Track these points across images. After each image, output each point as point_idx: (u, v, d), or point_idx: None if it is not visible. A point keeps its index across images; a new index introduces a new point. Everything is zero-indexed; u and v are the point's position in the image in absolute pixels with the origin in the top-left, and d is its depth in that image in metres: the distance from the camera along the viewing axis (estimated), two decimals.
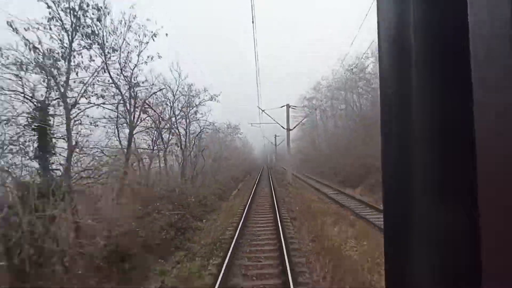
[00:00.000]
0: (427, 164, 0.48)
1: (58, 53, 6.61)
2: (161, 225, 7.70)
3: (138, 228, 6.95)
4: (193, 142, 18.43)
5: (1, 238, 4.12)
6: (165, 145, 15.54)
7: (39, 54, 6.28)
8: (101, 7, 6.64)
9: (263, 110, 23.63)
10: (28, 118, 5.46)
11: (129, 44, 8.92)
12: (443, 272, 0.46)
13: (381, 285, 4.82)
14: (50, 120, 5.70)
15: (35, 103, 5.62)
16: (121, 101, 8.82)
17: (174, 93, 15.75)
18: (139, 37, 9.02)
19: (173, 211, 9.56)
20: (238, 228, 8.36)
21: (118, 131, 10.04)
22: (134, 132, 10.12)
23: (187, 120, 17.94)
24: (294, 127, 25.48)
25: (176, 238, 7.71)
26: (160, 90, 11.82)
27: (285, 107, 23.55)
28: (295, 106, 25.59)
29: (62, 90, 6.60)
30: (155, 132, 14.20)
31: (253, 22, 13.35)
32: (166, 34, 9.91)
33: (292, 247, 6.69)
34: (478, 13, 0.43)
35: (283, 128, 24.06)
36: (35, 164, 6.34)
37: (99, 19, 6.76)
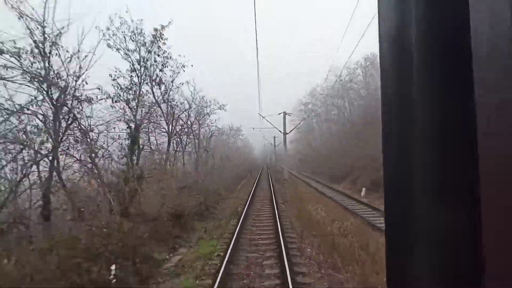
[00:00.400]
0: (427, 164, 0.48)
1: (133, 89, 10.38)
2: (194, 203, 11.41)
3: (181, 203, 10.67)
4: (204, 144, 22.13)
5: (124, 203, 7.84)
6: (183, 147, 19.26)
7: (122, 91, 10.04)
8: (165, 63, 10.44)
9: (263, 117, 27.41)
10: (128, 134, 9.20)
11: (165, 74, 12.67)
12: (443, 272, 0.46)
13: (326, 226, 8.56)
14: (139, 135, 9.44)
15: (130, 124, 9.36)
16: (163, 119, 12.59)
17: (190, 104, 19.46)
18: (172, 67, 12.76)
19: (198, 195, 13.28)
20: (245, 207, 12.06)
21: (148, 138, 13.83)
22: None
23: (199, 125, 21.67)
24: (290, 131, 29.28)
25: (205, 211, 11.44)
26: (187, 110, 15.50)
27: (282, 114, 27.39)
28: (291, 114, 29.35)
29: (134, 113, 10.36)
30: (176, 137, 17.93)
31: (256, 38, 17.07)
32: (192, 65, 13.64)
33: (282, 215, 10.40)
34: (479, 13, 0.43)
35: (281, 132, 27.86)
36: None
37: (161, 70, 10.54)
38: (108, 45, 10.09)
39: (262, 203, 13.77)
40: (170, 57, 10.53)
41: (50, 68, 6.80)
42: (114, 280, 4.49)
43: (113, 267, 4.58)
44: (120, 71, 10.21)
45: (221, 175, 23.43)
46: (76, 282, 4.12)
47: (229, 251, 6.31)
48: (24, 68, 5.47)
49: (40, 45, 5.74)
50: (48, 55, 5.88)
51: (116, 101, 9.86)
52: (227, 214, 11.06)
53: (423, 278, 0.47)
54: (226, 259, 5.81)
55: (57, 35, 6.47)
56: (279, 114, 27.23)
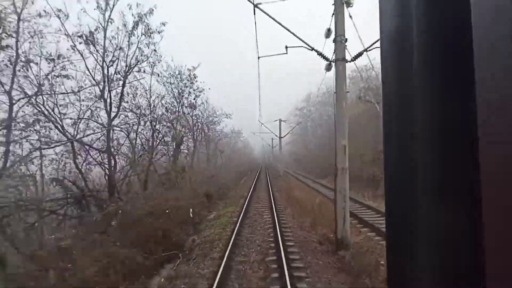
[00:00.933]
0: (427, 164, 0.48)
1: (173, 110, 15.37)
2: (215, 189, 16.40)
3: (207, 188, 15.65)
4: (215, 146, 27.07)
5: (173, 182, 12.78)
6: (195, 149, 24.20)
7: (168, 112, 15.02)
8: (198, 95, 15.44)
9: (262, 123, 31.99)
10: (174, 143, 14.13)
11: (190, 94, 17.66)
12: (443, 272, 0.47)
13: (296, 196, 13.57)
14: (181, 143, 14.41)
15: (176, 137, 14.29)
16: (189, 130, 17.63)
17: (203, 114, 24.43)
18: (194, 90, 17.76)
19: (215, 185, 18.27)
20: (249, 194, 17.01)
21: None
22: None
23: (208, 130, 26.62)
24: (285, 135, 34.11)
25: (223, 195, 16.44)
26: (205, 122, 20.48)
27: (278, 121, 32.27)
28: (285, 120, 34.04)
29: (174, 127, 15.34)
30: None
31: (256, 42, 22.00)
32: (209, 88, 18.63)
33: (276, 197, 15.40)
34: (480, 13, 0.43)
35: (277, 136, 32.81)
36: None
37: (194, 99, 15.53)
38: (157, 81, 15.10)
39: (261, 191, 18.79)
40: (200, 90, 15.55)
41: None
42: (191, 216, 9.41)
43: (190, 210, 9.51)
44: (163, 97, 15.22)
45: (226, 173, 28.36)
46: (176, 215, 9.05)
47: (243, 210, 11.27)
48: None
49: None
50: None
51: (161, 120, 14.88)
52: (237, 197, 16.05)
53: (423, 277, 0.48)
54: (242, 212, 10.79)
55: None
56: (275, 121, 31.89)
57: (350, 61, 7.00)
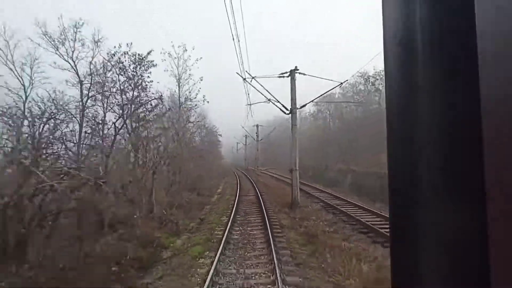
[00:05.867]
0: (433, 164, 0.48)
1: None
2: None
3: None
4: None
5: None
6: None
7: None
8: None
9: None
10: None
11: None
12: (450, 273, 0.46)
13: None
14: None
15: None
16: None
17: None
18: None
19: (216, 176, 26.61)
20: (238, 181, 25.96)
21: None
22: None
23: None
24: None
25: (224, 177, 25.13)
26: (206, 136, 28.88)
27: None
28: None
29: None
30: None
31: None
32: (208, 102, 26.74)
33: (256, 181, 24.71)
34: (485, 13, 0.43)
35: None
36: None
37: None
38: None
39: (244, 178, 29.19)
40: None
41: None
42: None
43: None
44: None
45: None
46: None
47: (239, 185, 21.50)
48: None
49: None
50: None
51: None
52: (230, 182, 25.51)
53: (430, 278, 0.48)
54: (239, 184, 20.62)
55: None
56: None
57: (299, 108, 15.36)
